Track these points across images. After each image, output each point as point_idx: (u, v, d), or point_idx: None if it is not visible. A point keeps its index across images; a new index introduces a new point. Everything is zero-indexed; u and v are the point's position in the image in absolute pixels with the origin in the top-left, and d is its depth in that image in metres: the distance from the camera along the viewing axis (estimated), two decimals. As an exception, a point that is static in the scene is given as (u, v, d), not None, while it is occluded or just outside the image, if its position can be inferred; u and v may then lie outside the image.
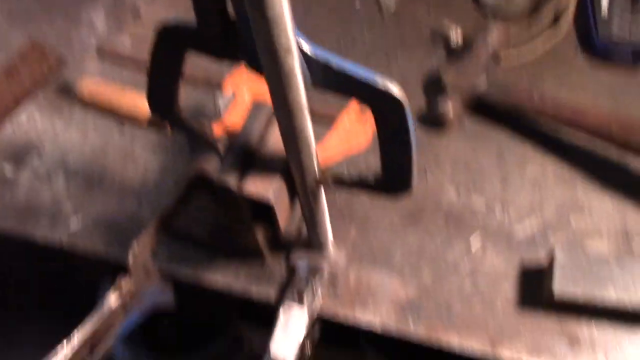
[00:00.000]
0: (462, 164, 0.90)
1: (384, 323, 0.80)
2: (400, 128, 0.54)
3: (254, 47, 0.50)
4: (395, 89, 0.52)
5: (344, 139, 0.81)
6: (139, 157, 0.95)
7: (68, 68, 1.04)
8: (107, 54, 0.87)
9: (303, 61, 0.51)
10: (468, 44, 0.96)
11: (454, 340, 0.79)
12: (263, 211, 0.68)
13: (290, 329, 0.76)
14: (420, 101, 0.95)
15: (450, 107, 0.90)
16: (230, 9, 0.50)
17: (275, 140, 0.67)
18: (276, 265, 0.84)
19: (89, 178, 0.94)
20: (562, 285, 0.75)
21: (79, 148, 0.96)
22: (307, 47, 0.51)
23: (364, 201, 0.88)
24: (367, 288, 0.82)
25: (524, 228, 0.85)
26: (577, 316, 0.78)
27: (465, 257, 0.83)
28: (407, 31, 1.06)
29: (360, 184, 0.63)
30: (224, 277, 0.84)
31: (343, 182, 0.64)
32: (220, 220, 0.82)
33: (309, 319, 0.77)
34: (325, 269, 0.82)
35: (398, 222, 0.87)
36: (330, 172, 0.64)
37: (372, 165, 0.89)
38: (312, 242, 0.81)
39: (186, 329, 1.27)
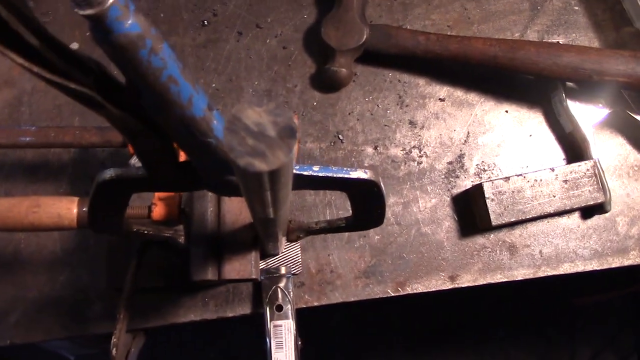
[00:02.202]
0: (369, 118, 0.93)
1: (356, 295, 0.87)
2: (376, 198, 0.56)
3: (218, 180, 0.48)
4: (366, 175, 0.53)
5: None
6: (47, 220, 0.88)
7: None
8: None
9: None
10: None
11: (418, 288, 0.88)
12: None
13: (285, 344, 0.80)
14: (309, 65, 0.94)
15: (340, 65, 0.90)
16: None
17: (233, 215, 0.66)
18: (240, 283, 0.86)
19: (7, 264, 0.87)
20: (496, 214, 0.84)
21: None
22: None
23: (302, 193, 0.89)
24: (330, 270, 0.87)
25: (443, 163, 0.92)
26: (511, 229, 0.89)
27: (403, 210, 0.90)
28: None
29: (331, 230, 0.65)
30: (195, 314, 0.85)
31: (314, 232, 0.66)
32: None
33: (294, 323, 0.82)
34: (287, 270, 0.85)
35: (335, 200, 0.90)
36: (299, 228, 0.65)
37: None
38: (266, 251, 0.84)
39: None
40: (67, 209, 0.68)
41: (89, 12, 0.32)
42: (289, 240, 0.67)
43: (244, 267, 0.64)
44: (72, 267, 0.87)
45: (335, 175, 0.52)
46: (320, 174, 0.52)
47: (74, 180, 0.88)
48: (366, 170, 0.53)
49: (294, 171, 0.52)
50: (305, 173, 0.51)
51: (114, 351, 0.76)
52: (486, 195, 0.84)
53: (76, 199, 0.69)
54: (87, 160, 0.88)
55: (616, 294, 2.04)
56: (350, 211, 0.62)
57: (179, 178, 0.51)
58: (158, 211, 0.68)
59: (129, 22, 0.33)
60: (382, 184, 0.55)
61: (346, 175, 0.52)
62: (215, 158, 0.46)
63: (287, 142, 0.26)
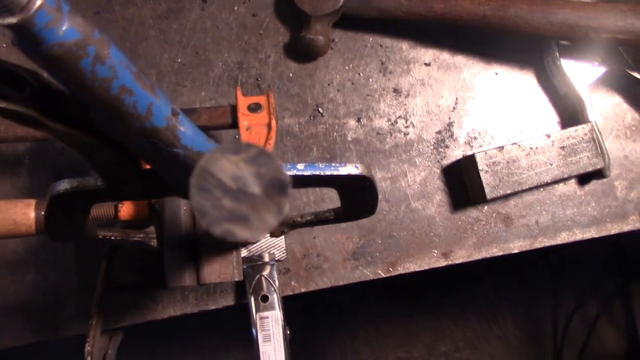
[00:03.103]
0: (350, 88, 0.86)
1: (345, 279, 0.82)
2: (368, 192, 0.50)
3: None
4: (357, 170, 0.47)
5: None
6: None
7: None
8: None
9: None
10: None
11: (410, 267, 0.83)
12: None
13: (272, 337, 0.75)
14: (282, 34, 0.86)
15: (316, 32, 0.82)
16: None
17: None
18: (221, 272, 0.81)
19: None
20: (491, 187, 0.79)
21: None
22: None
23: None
24: (316, 254, 0.82)
25: (431, 133, 0.86)
26: (505, 200, 0.85)
27: (391, 185, 0.84)
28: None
29: (318, 222, 0.60)
30: (175, 308, 0.80)
31: (299, 226, 0.60)
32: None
33: (281, 313, 0.77)
34: (270, 257, 0.80)
35: (315, 175, 0.83)
36: (283, 223, 0.59)
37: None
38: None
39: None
40: (24, 214, 0.61)
41: (9, 21, 0.25)
42: (273, 236, 0.61)
43: (224, 268, 0.59)
44: (38, 267, 0.80)
45: (322, 173, 0.46)
46: (306, 173, 0.46)
47: (32, 172, 0.80)
48: (357, 165, 0.47)
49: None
50: (289, 173, 0.45)
51: (88, 358, 0.70)
52: (479, 167, 0.79)
53: (33, 201, 0.62)
54: (45, 150, 0.80)
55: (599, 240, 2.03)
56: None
57: (144, 187, 0.44)
58: (126, 210, 0.62)
59: (64, 27, 0.26)
60: (374, 179, 0.49)
61: (335, 172, 0.47)
62: (185, 168, 0.39)
63: (276, 201, 0.19)
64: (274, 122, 0.69)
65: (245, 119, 0.70)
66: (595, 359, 2.26)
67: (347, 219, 0.59)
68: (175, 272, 0.58)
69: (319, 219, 0.59)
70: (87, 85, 0.29)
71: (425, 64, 0.87)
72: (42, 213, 0.62)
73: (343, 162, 0.83)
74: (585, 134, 0.81)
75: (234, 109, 0.71)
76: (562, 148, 0.80)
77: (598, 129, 0.82)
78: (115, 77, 0.30)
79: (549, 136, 0.80)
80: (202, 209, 0.19)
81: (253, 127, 0.69)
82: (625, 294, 2.20)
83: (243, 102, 0.71)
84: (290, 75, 0.85)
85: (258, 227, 0.19)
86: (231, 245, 0.60)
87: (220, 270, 0.58)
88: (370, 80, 0.86)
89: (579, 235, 0.85)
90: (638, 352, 2.20)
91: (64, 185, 0.44)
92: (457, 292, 2.21)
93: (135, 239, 0.58)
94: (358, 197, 0.52)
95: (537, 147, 0.80)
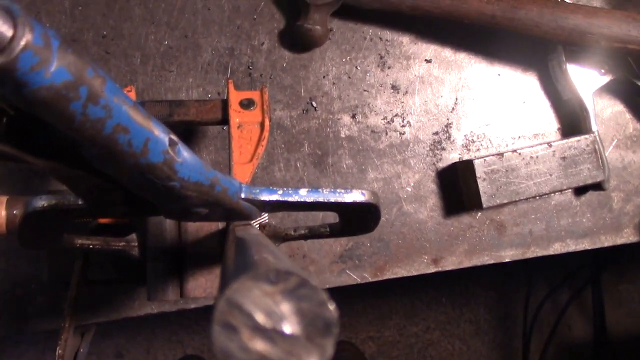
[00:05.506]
0: (346, 82, 0.81)
1: (331, 282, 0.79)
2: (371, 216, 0.47)
3: (181, 212, 0.38)
4: (363, 197, 0.44)
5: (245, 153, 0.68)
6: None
7: None
8: None
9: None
10: None
11: (399, 272, 0.80)
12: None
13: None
14: (278, 19, 0.81)
15: (314, 22, 0.78)
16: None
17: (196, 225, 0.55)
18: (202, 270, 0.77)
19: None
20: (488, 195, 0.76)
21: None
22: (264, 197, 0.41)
23: (271, 169, 0.79)
24: (302, 255, 0.79)
25: (428, 133, 0.82)
26: (500, 208, 0.82)
27: (383, 187, 0.81)
28: None
29: (312, 237, 0.56)
30: (152, 306, 0.76)
31: (291, 239, 0.56)
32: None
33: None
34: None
35: (308, 176, 0.80)
36: (274, 236, 0.56)
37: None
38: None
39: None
40: (-6, 209, 0.56)
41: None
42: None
43: (211, 282, 0.55)
44: (7, 256, 0.75)
45: (326, 200, 0.42)
46: (308, 200, 0.42)
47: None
48: (363, 192, 0.44)
49: (277, 197, 0.42)
50: (291, 199, 0.42)
51: (59, 362, 0.66)
52: (477, 175, 0.76)
53: (4, 199, 0.57)
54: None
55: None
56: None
57: (130, 209, 0.40)
58: (105, 214, 0.57)
59: (52, 69, 0.22)
60: (380, 204, 0.46)
61: (340, 199, 0.43)
62: (180, 198, 0.35)
63: (319, 344, 0.15)
64: (267, 121, 0.65)
65: (236, 116, 0.65)
66: (562, 345, 2.29)
67: (344, 235, 0.56)
68: (158, 284, 0.54)
69: (314, 234, 0.55)
70: (77, 127, 0.24)
71: (426, 60, 0.83)
72: (15, 212, 0.57)
73: (334, 160, 0.79)
74: (588, 145, 0.78)
75: (224, 104, 0.67)
76: (563, 158, 0.77)
77: (600, 139, 0.79)
78: (109, 117, 0.25)
79: (550, 145, 0.77)
80: (227, 350, 0.15)
81: (245, 125, 0.65)
82: (596, 284, 2.21)
83: (235, 97, 0.66)
84: (284, 65, 0.80)
85: (295, 374, 0.15)
86: (218, 259, 0.56)
87: (206, 285, 0.55)
88: (368, 74, 0.82)
89: (572, 246, 0.83)
90: (605, 341, 2.22)
91: (41, 202, 0.40)
92: (432, 274, 2.21)
93: (116, 247, 0.54)
94: (360, 220, 0.48)
95: (537, 157, 0.77)
